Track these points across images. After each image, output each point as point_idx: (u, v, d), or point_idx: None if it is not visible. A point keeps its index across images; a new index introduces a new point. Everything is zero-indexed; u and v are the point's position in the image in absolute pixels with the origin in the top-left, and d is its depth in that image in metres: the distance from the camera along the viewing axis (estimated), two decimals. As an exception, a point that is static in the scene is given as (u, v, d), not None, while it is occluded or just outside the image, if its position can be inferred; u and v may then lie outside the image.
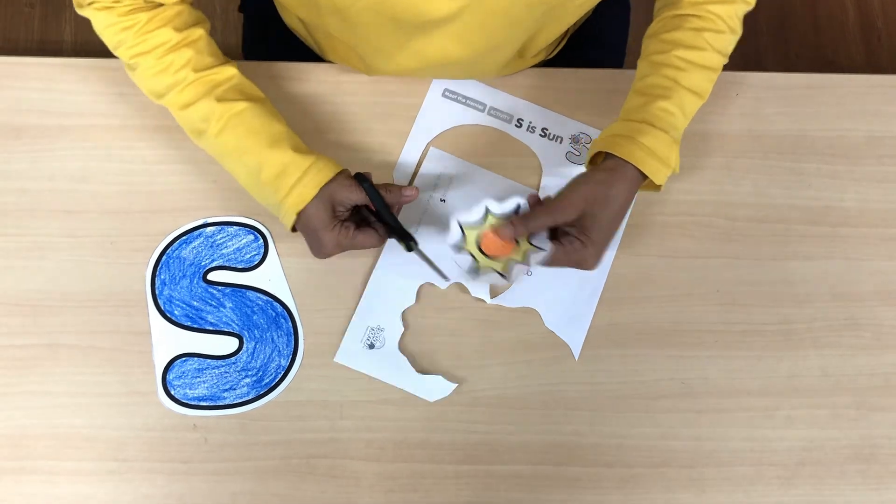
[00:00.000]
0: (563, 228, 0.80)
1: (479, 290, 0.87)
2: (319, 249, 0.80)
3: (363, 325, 0.85)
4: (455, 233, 0.80)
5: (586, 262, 0.79)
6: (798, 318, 0.89)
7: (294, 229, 0.81)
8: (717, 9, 0.82)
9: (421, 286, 0.87)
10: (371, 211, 0.82)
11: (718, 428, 0.86)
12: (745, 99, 0.95)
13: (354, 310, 0.86)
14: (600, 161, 0.81)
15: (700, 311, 0.89)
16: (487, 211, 0.81)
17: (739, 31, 0.84)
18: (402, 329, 0.86)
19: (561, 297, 0.88)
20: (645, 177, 0.80)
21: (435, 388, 0.85)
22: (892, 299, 0.90)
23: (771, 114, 0.95)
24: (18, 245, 0.86)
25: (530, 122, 0.92)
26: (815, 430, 0.87)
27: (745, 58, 1.73)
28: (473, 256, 0.81)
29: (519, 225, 0.78)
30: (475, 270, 0.81)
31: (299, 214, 0.79)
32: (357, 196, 0.80)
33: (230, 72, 0.82)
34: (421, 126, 0.91)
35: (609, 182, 0.78)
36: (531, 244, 0.80)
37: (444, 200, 0.89)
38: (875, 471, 0.86)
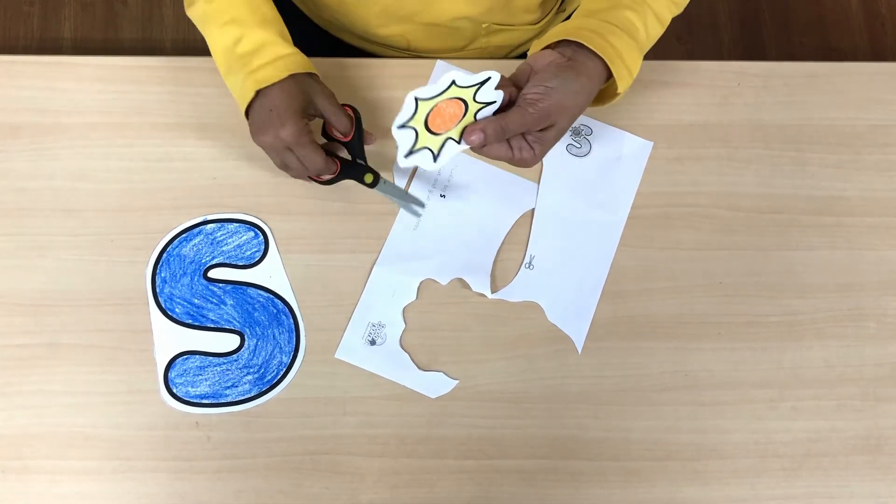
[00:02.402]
0: None
1: (479, 285, 0.86)
2: (269, 131, 0.76)
3: (364, 322, 0.85)
4: (409, 108, 0.70)
5: (527, 164, 0.75)
6: (802, 309, 0.89)
7: (247, 114, 0.79)
8: None
9: (422, 282, 0.87)
10: (335, 141, 0.81)
11: (723, 420, 0.86)
12: (747, 88, 0.94)
13: (355, 306, 0.86)
14: (561, 50, 0.76)
15: (703, 303, 0.88)
16: (453, 83, 0.71)
17: None
18: (403, 326, 0.86)
19: (563, 291, 0.87)
20: (602, 82, 0.76)
21: (436, 384, 0.85)
22: (897, 289, 0.90)
23: (773, 103, 0.94)
24: (18, 244, 0.86)
25: None
26: (820, 421, 0.86)
27: (748, 47, 1.73)
28: (416, 131, 0.72)
29: (490, 130, 0.72)
30: (410, 150, 0.72)
31: (261, 92, 0.76)
32: (328, 105, 0.78)
33: None
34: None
35: (582, 91, 0.74)
36: (477, 101, 0.72)
37: (444, 196, 0.89)
38: (882, 462, 0.86)
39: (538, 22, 0.96)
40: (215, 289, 0.85)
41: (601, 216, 0.89)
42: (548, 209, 0.89)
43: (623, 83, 0.75)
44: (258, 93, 0.77)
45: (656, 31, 0.79)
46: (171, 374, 0.83)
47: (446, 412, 0.84)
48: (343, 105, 0.82)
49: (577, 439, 0.85)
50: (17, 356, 0.83)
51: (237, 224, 0.87)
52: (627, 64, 0.75)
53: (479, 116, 0.73)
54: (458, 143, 0.74)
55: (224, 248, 0.86)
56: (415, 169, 0.89)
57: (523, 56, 1.03)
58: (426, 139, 0.72)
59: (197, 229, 0.86)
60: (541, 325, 0.87)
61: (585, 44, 0.73)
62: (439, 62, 0.92)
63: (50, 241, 0.86)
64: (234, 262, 0.86)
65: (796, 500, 0.85)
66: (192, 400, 0.83)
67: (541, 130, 0.74)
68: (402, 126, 0.71)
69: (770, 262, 0.90)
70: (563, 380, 0.86)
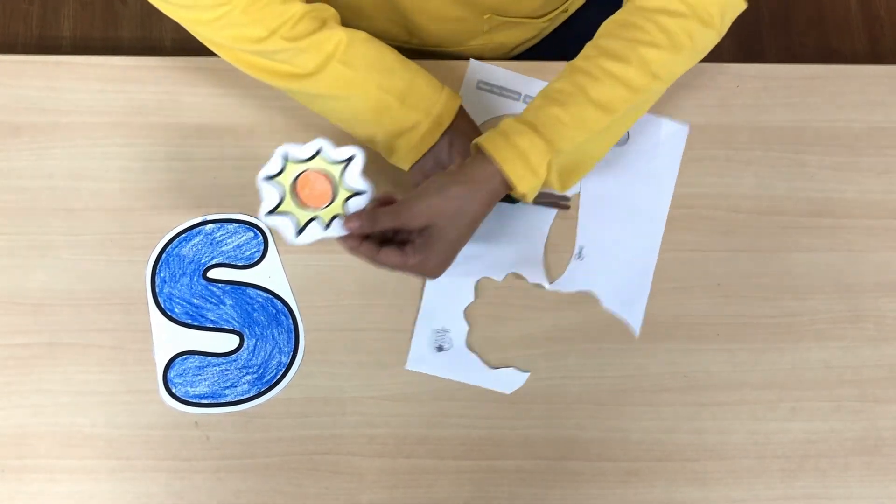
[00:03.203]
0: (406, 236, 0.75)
1: (535, 276, 0.87)
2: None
3: (428, 329, 0.85)
4: (277, 163, 0.71)
5: (427, 272, 0.75)
6: (800, 311, 0.89)
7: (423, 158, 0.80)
8: (664, 21, 0.74)
9: (478, 281, 0.87)
10: None
11: (721, 421, 0.86)
12: (746, 90, 0.94)
13: (416, 315, 0.86)
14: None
15: (702, 304, 0.88)
16: (319, 151, 0.72)
17: (689, 50, 0.75)
18: (467, 327, 0.86)
19: (615, 278, 0.88)
20: (503, 184, 0.73)
21: (510, 380, 0.85)
22: (895, 291, 0.90)
23: (772, 105, 0.94)
24: (18, 244, 0.86)
25: None
26: (818, 422, 0.87)
27: (747, 49, 1.73)
28: (283, 191, 0.72)
29: (364, 221, 0.71)
30: (274, 209, 0.72)
31: (445, 134, 0.79)
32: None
33: (331, 9, 0.79)
34: None
35: (464, 196, 0.72)
36: (345, 187, 0.73)
37: None
38: (880, 463, 0.86)
39: (541, 17, 0.95)
40: (214, 289, 0.85)
41: (645, 202, 0.90)
42: (592, 198, 0.89)
43: (524, 182, 0.72)
44: (444, 133, 0.79)
45: (597, 121, 0.73)
46: (171, 374, 0.83)
47: (445, 412, 0.85)
48: None
49: (576, 440, 0.85)
50: (16, 355, 0.83)
51: (237, 224, 0.87)
52: (532, 163, 0.72)
53: (351, 207, 0.73)
54: (325, 228, 0.72)
55: (223, 249, 0.86)
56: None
57: (522, 56, 1.03)
58: (291, 206, 0.72)
59: (196, 229, 0.86)
60: (540, 325, 0.87)
61: (484, 147, 0.73)
62: (467, 75, 0.91)
63: (49, 241, 0.86)
64: (233, 263, 0.86)
65: (794, 500, 0.85)
66: (191, 400, 0.83)
67: (423, 235, 0.73)
68: (269, 179, 0.72)
69: (769, 263, 0.90)
70: (561, 380, 0.86)
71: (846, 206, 0.92)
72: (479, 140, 0.74)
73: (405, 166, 0.80)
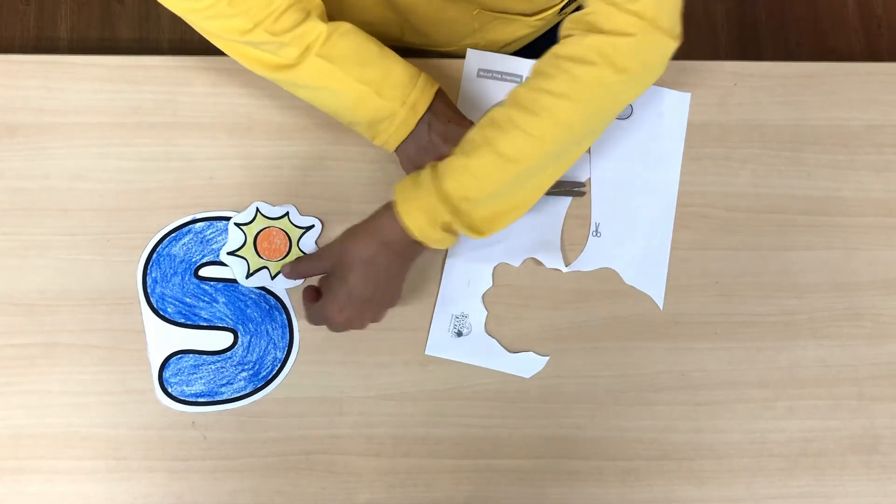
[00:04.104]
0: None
1: (552, 260, 0.88)
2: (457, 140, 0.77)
3: (447, 315, 0.86)
4: (237, 237, 0.85)
5: (328, 316, 0.78)
6: (798, 309, 0.89)
7: (404, 145, 0.82)
8: (575, 70, 0.72)
9: (496, 267, 0.87)
10: None
11: (719, 420, 0.86)
12: (743, 88, 0.94)
13: (435, 302, 0.86)
14: None
15: (699, 303, 0.88)
16: (287, 214, 0.86)
17: (601, 98, 0.74)
18: (486, 312, 0.86)
19: (633, 252, 0.89)
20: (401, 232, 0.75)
21: (529, 364, 0.86)
22: (892, 289, 0.90)
23: (770, 103, 0.94)
24: (14, 244, 0.85)
25: None
26: (815, 420, 0.87)
27: (744, 47, 1.73)
28: (247, 260, 0.85)
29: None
30: (248, 274, 0.85)
31: (422, 120, 0.80)
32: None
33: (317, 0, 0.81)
34: (463, 110, 0.89)
35: (367, 241, 0.76)
36: (301, 251, 0.86)
37: None
38: (877, 461, 0.86)
39: (531, 15, 0.95)
40: (207, 287, 0.85)
41: (655, 172, 0.91)
42: (604, 176, 0.90)
43: (420, 230, 0.73)
44: (420, 120, 0.80)
45: (503, 171, 0.73)
46: (166, 374, 0.83)
47: (443, 412, 0.84)
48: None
49: (574, 439, 0.85)
50: (13, 356, 0.83)
51: (226, 222, 0.87)
52: (429, 212, 0.73)
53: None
54: (272, 279, 0.85)
55: (214, 247, 0.86)
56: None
57: (518, 53, 1.03)
58: (250, 252, 0.85)
59: (186, 228, 0.86)
60: (538, 324, 0.87)
61: (395, 192, 0.76)
62: (466, 63, 0.92)
63: (46, 241, 0.86)
64: (224, 260, 0.86)
65: (792, 499, 0.85)
66: (187, 399, 0.83)
67: (329, 280, 0.78)
68: (239, 225, 0.85)
69: (766, 261, 0.90)
70: (559, 379, 0.86)
71: (844, 204, 0.92)
72: (396, 185, 0.76)
73: (389, 150, 0.82)
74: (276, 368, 0.84)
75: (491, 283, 0.87)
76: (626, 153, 0.91)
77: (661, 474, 0.85)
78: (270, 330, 0.85)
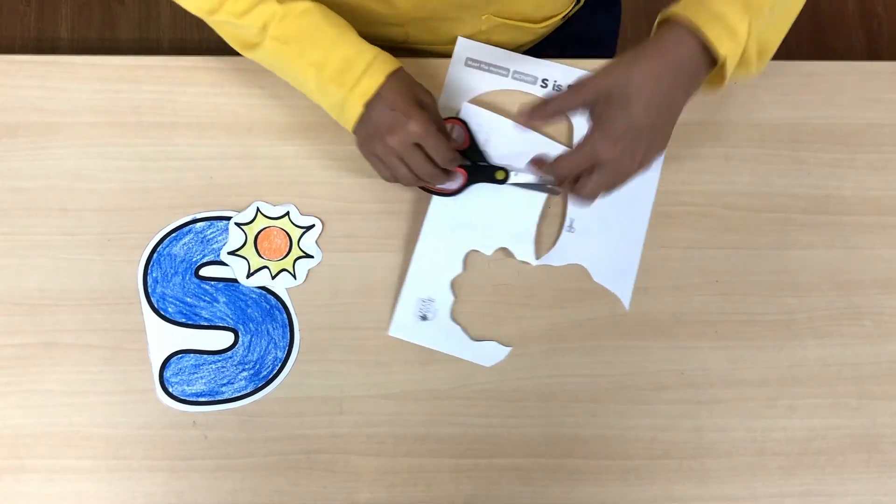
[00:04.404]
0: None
1: (523, 253, 0.87)
2: (400, 129, 0.75)
3: (414, 298, 0.86)
4: (238, 237, 0.85)
5: (596, 154, 0.68)
6: (798, 308, 0.89)
7: (357, 128, 0.80)
8: None
9: (467, 254, 0.87)
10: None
11: (719, 418, 0.86)
12: (743, 87, 0.94)
13: (403, 282, 0.86)
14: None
15: (699, 302, 0.88)
16: (287, 214, 0.86)
17: None
18: (453, 298, 0.86)
19: (605, 250, 0.88)
20: (709, 58, 0.66)
21: (491, 353, 0.85)
22: (893, 287, 0.90)
23: (770, 102, 0.94)
24: (15, 244, 0.86)
25: (555, 82, 0.91)
26: (816, 419, 0.87)
27: (744, 46, 1.72)
28: (248, 260, 0.85)
29: (538, 110, 0.69)
30: (249, 273, 0.85)
31: (369, 104, 0.77)
32: (428, 97, 0.79)
33: None
34: (447, 96, 0.91)
35: (652, 69, 0.65)
36: (301, 250, 0.85)
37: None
38: (877, 459, 0.86)
39: (538, 22, 0.95)
40: (207, 287, 0.85)
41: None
42: None
43: (723, 44, 0.65)
44: (368, 104, 0.77)
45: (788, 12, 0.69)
46: (167, 374, 0.83)
47: (443, 411, 0.84)
48: (450, 118, 0.87)
49: (574, 438, 0.85)
50: (13, 355, 0.83)
51: (227, 221, 0.87)
52: (729, 24, 0.65)
53: (299, 268, 0.85)
54: (272, 278, 0.85)
55: (214, 246, 0.86)
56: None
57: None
58: (250, 251, 0.85)
59: (186, 228, 0.86)
60: (537, 323, 0.87)
61: (671, 16, 0.67)
62: (456, 51, 0.92)
63: (46, 241, 0.86)
64: (225, 260, 0.86)
65: (793, 497, 0.85)
66: (188, 398, 0.83)
67: (599, 115, 0.69)
68: (239, 225, 0.85)
69: (766, 260, 0.90)
70: (559, 378, 0.86)
71: (844, 202, 0.92)
72: (666, 11, 0.67)
73: (348, 129, 0.81)
74: (277, 368, 0.84)
75: (461, 270, 0.87)
76: None
77: (661, 473, 0.85)
78: (271, 329, 0.85)
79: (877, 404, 0.87)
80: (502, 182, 0.87)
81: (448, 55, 0.92)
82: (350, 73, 0.77)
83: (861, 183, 0.93)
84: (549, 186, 0.87)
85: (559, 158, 0.72)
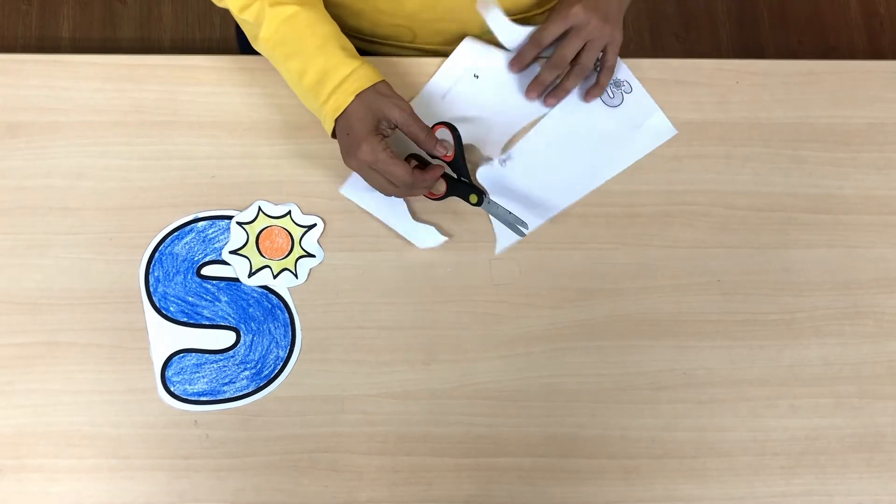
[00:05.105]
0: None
1: (489, 149, 0.89)
2: (351, 154, 0.79)
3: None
4: (239, 236, 0.85)
5: (573, 16, 0.84)
6: (799, 307, 0.89)
7: (334, 135, 0.82)
8: None
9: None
10: (429, 157, 0.85)
11: (720, 418, 0.86)
12: (744, 87, 0.94)
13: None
14: None
15: (701, 302, 0.88)
16: (289, 213, 0.86)
17: None
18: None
19: (525, 190, 0.89)
20: None
21: (426, 236, 0.87)
22: (894, 287, 0.90)
23: (771, 101, 0.94)
24: (16, 243, 0.86)
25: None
26: (817, 419, 0.86)
27: (746, 45, 1.73)
28: (250, 259, 0.85)
29: (519, 55, 0.88)
30: (250, 273, 0.85)
31: (338, 119, 0.79)
32: (396, 113, 0.79)
33: None
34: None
35: None
36: (303, 250, 0.85)
37: (477, 77, 0.90)
38: (879, 459, 0.86)
39: (537, 14, 0.95)
40: (209, 286, 0.85)
41: (594, 160, 0.91)
42: (552, 126, 0.91)
43: None
44: (337, 120, 0.79)
45: None
46: (169, 373, 0.83)
47: (445, 410, 0.84)
48: (439, 123, 0.85)
49: (575, 437, 0.85)
50: (15, 355, 0.83)
51: (228, 221, 0.87)
52: None
53: (300, 266, 0.85)
54: (274, 277, 0.85)
55: (216, 245, 0.86)
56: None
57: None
58: (252, 251, 0.85)
59: (188, 227, 0.86)
60: (538, 323, 0.87)
61: None
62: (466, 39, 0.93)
63: (48, 240, 0.86)
64: (226, 259, 0.86)
65: (794, 497, 0.85)
66: (189, 398, 0.83)
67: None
68: (241, 224, 0.85)
69: (768, 260, 0.90)
70: (561, 378, 0.86)
71: (845, 202, 0.92)
72: None
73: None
74: (279, 367, 0.84)
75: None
76: (586, 126, 0.91)
77: (662, 473, 0.85)
78: (273, 329, 0.85)
79: (878, 404, 0.87)
80: (476, 205, 0.86)
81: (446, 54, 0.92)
82: (323, 88, 0.79)
83: (862, 182, 0.93)
84: (518, 226, 0.86)
85: (538, 31, 0.86)
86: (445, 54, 0.93)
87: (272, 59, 0.83)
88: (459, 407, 0.85)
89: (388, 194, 0.82)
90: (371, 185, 0.82)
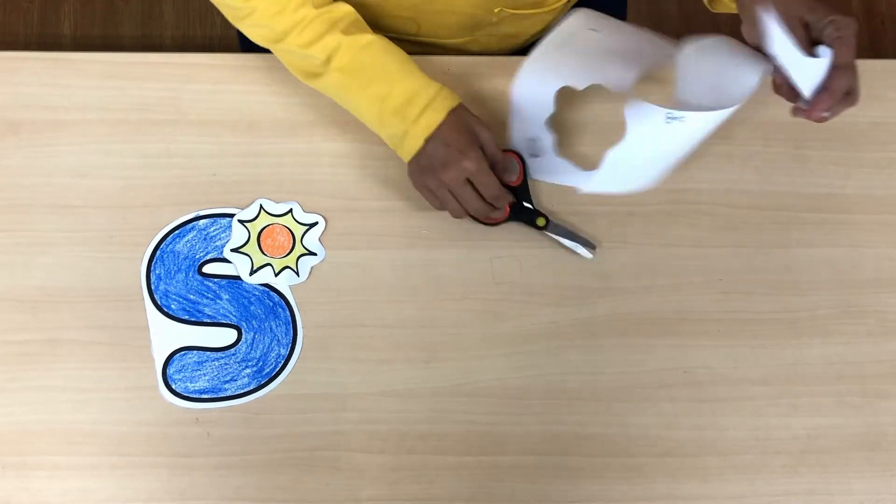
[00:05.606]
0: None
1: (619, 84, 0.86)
2: (450, 165, 0.79)
3: (523, 139, 0.89)
4: (241, 234, 0.85)
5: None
6: (801, 306, 0.89)
7: (413, 160, 0.82)
8: None
9: (557, 91, 0.86)
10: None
11: (722, 417, 0.86)
12: (746, 85, 0.94)
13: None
14: None
15: (702, 300, 0.88)
16: (291, 211, 0.87)
17: None
18: (553, 136, 0.89)
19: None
20: None
21: (602, 180, 0.81)
22: (896, 286, 0.90)
23: (773, 100, 0.93)
24: (17, 241, 0.86)
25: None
26: (819, 418, 0.86)
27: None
28: (251, 257, 0.85)
29: (824, 97, 0.74)
30: (252, 271, 0.85)
31: (428, 139, 0.80)
32: (486, 133, 0.81)
33: (346, 8, 0.83)
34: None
35: None
36: (304, 248, 0.85)
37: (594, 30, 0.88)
38: (881, 458, 0.86)
39: (546, 10, 0.95)
40: (210, 284, 0.85)
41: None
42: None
43: None
44: (428, 138, 0.80)
45: None
46: (170, 371, 0.83)
47: (446, 408, 0.84)
48: (506, 151, 0.87)
49: (577, 436, 0.85)
50: (16, 352, 0.83)
51: (230, 219, 0.87)
52: None
53: (302, 265, 0.86)
54: (275, 275, 0.85)
55: (217, 244, 0.86)
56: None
57: (521, 51, 1.02)
58: (253, 248, 0.86)
59: (190, 225, 0.86)
60: (539, 321, 0.87)
61: None
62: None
63: (49, 238, 0.86)
64: (228, 257, 0.86)
65: (795, 496, 0.85)
66: (191, 395, 0.83)
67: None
68: (242, 222, 0.85)
69: (770, 259, 0.90)
70: (562, 376, 0.86)
71: (847, 201, 0.92)
72: None
73: (404, 160, 0.83)
74: (280, 365, 0.84)
75: (553, 109, 0.87)
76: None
77: (664, 471, 0.85)
78: (274, 327, 0.85)
79: (880, 403, 0.87)
80: (542, 229, 0.87)
81: (458, 50, 0.92)
82: (412, 108, 0.80)
83: (865, 181, 0.92)
84: (585, 247, 0.87)
85: (826, 92, 0.74)
86: (450, 48, 0.93)
87: (343, 88, 0.83)
88: (461, 405, 0.85)
89: (456, 215, 0.83)
90: (441, 204, 0.82)
